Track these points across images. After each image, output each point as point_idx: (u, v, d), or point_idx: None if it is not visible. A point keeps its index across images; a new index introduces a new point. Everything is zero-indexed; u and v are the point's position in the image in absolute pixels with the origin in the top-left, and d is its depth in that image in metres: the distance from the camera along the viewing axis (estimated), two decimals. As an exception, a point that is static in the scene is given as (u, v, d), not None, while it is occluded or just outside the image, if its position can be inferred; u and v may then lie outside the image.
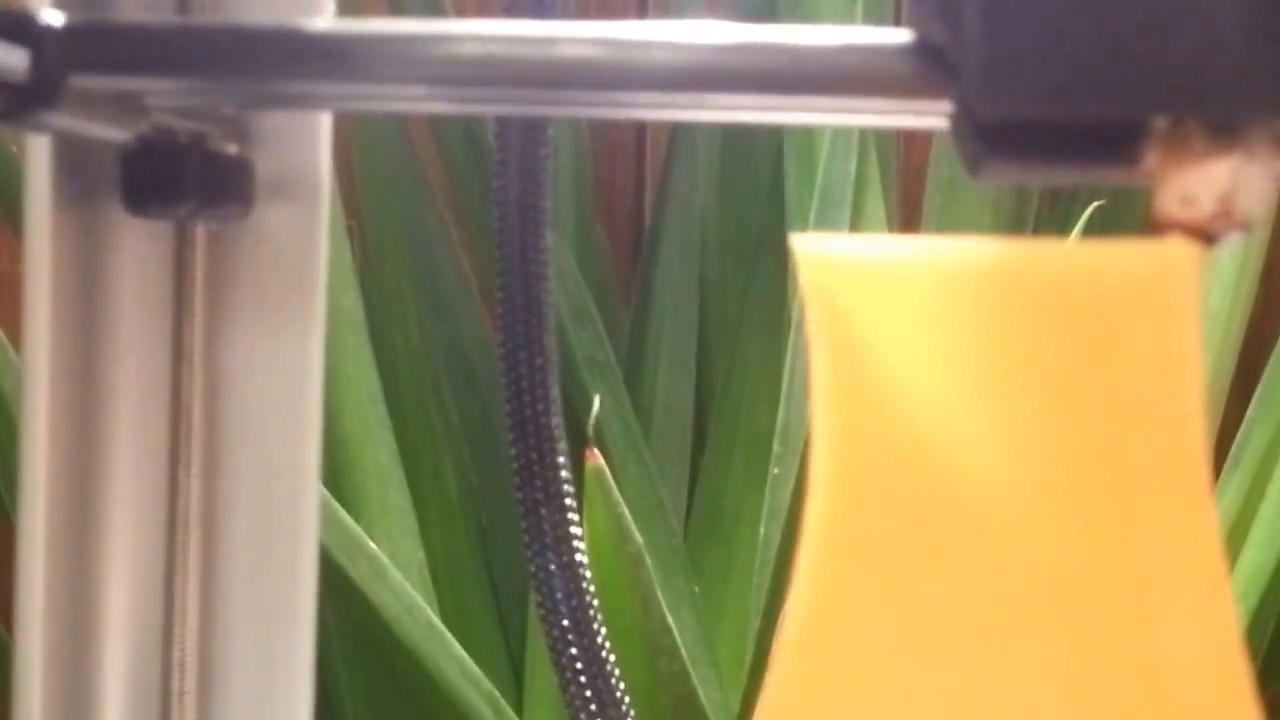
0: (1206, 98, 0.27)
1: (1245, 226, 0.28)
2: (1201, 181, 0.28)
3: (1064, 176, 0.30)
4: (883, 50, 0.31)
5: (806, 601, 0.28)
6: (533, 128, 0.45)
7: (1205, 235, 0.28)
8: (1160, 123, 0.28)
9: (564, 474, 0.46)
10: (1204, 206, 0.28)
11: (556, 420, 0.46)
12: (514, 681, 0.88)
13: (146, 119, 0.37)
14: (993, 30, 0.27)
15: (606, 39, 0.32)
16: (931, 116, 0.31)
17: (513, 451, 0.46)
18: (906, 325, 0.27)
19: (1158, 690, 0.26)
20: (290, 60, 0.34)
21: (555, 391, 0.46)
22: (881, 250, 0.28)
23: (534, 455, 0.46)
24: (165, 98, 0.36)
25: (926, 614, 0.27)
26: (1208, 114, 0.28)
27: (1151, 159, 0.28)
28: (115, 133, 0.36)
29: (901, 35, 0.31)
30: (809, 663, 0.28)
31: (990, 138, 0.28)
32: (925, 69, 0.30)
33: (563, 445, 0.46)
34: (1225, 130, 0.28)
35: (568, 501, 0.46)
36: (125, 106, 0.36)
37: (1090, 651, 0.26)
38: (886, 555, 0.27)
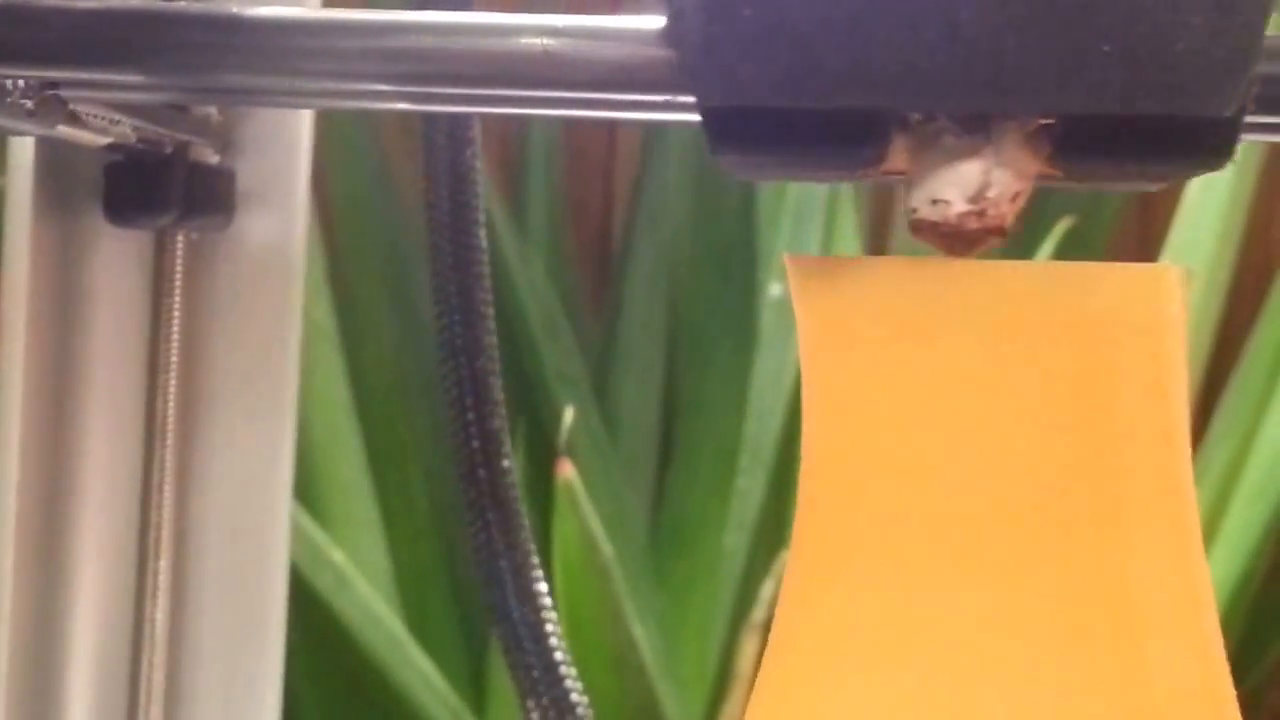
0: (952, 92, 0.25)
1: (1001, 230, 0.27)
2: (950, 181, 0.27)
3: (803, 172, 0.28)
4: (631, 38, 0.29)
5: (793, 611, 0.28)
6: (459, 124, 0.44)
7: (956, 237, 0.27)
8: (910, 117, 0.27)
9: (511, 479, 0.45)
10: (954, 207, 0.27)
11: (502, 423, 0.45)
12: (477, 693, 0.88)
13: (61, 112, 0.33)
14: (713, 11, 0.25)
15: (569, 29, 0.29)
16: (686, 111, 0.28)
17: (456, 457, 0.45)
18: (895, 341, 0.27)
19: (1142, 704, 0.27)
20: (228, 51, 0.30)
21: (498, 394, 0.45)
22: (871, 267, 0.28)
23: (479, 459, 0.45)
24: (73, 89, 0.32)
25: (912, 626, 0.27)
26: (954, 109, 0.26)
27: (899, 156, 0.27)
28: (25, 127, 0.34)
29: (655, 22, 0.28)
30: (795, 672, 0.28)
31: (715, 128, 0.26)
32: (670, 56, 0.28)
33: (507, 449, 0.46)
34: (975, 126, 0.26)
35: (517, 507, 0.45)
36: (34, 98, 0.32)
37: (1075, 658, 0.26)
38: (873, 564, 0.27)
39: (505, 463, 0.45)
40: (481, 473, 0.45)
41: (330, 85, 0.31)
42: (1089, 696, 0.26)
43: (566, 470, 0.74)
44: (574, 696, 0.45)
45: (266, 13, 0.30)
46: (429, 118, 0.45)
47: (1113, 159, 0.27)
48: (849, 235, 0.90)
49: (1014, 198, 0.27)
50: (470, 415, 0.45)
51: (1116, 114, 0.25)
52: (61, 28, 0.30)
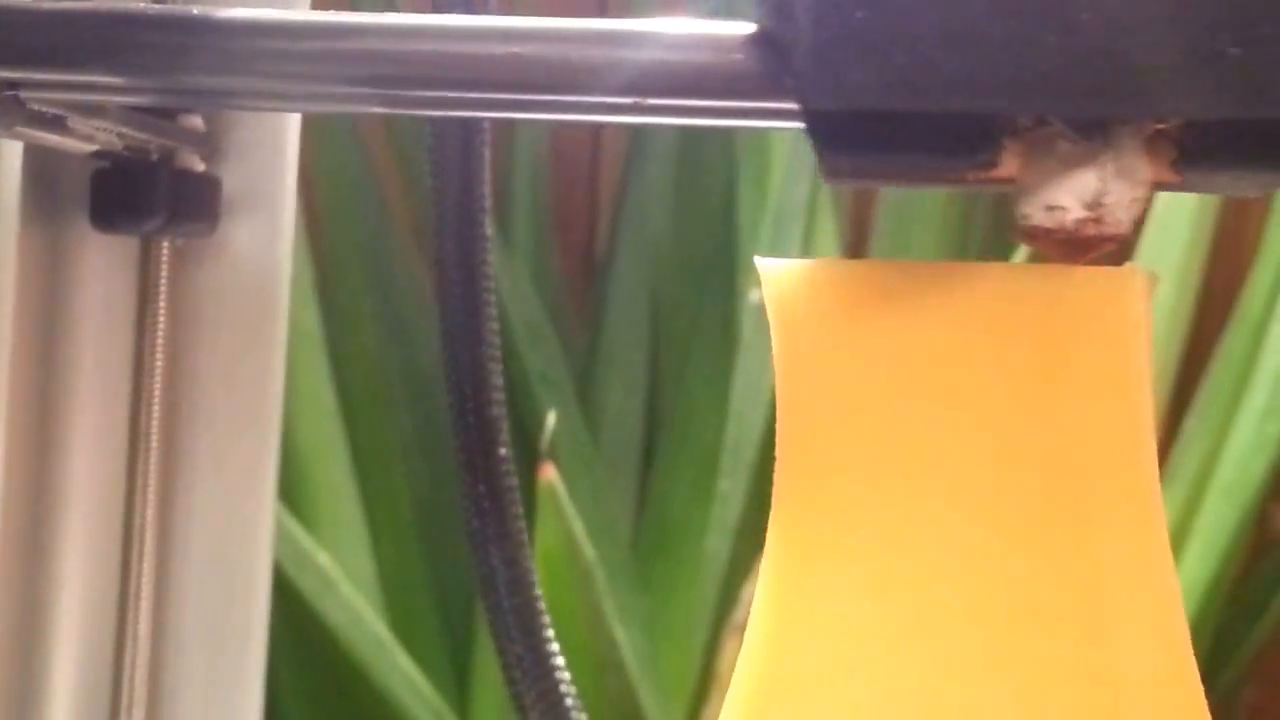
0: (1068, 94, 0.25)
1: (1120, 236, 0.26)
2: (1067, 187, 0.26)
3: (915, 178, 0.27)
4: (724, 44, 0.28)
5: (768, 612, 0.28)
6: (469, 124, 0.44)
7: (1072, 244, 0.27)
8: (1020, 122, 0.26)
9: (508, 467, 0.45)
10: (1070, 213, 0.26)
11: (500, 411, 0.45)
12: (460, 695, 0.88)
13: (19, 113, 0.32)
14: (824, 13, 0.25)
15: (538, 32, 0.29)
16: (786, 118, 0.28)
17: (456, 444, 0.45)
18: (866, 343, 0.27)
19: (1111, 699, 0.27)
20: (193, 53, 0.29)
21: (498, 379, 0.45)
22: (842, 270, 0.28)
23: (479, 461, 0.45)
24: (33, 90, 0.32)
25: (883, 623, 0.27)
26: (1069, 112, 0.25)
27: (1011, 162, 0.26)
28: (72, 144, 0.35)
29: (746, 27, 0.28)
30: (770, 673, 0.28)
31: (824, 133, 0.26)
32: (766, 61, 0.27)
33: (505, 437, 0.46)
34: (1092, 131, 0.26)
35: (512, 496, 0.45)
36: (81, 109, 0.34)
37: (1046, 660, 0.27)
38: (846, 564, 0.27)
39: (502, 450, 0.45)
40: (479, 460, 0.45)
41: (310, 89, 0.30)
42: (1057, 692, 0.27)
43: (549, 473, 0.75)
44: (564, 687, 0.45)
45: (239, 14, 0.29)
46: (437, 129, 0.44)
47: (1236, 165, 0.26)
48: (829, 242, 0.90)
49: (1131, 204, 0.26)
50: (469, 404, 0.45)
51: (1242, 119, 0.25)
52: (23, 27, 0.29)
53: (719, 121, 0.30)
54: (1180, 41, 0.24)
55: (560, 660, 0.45)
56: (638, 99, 0.28)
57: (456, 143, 0.44)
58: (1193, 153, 0.26)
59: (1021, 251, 0.84)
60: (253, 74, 0.30)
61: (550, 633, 0.45)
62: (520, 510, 0.46)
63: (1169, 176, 0.26)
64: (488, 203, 0.44)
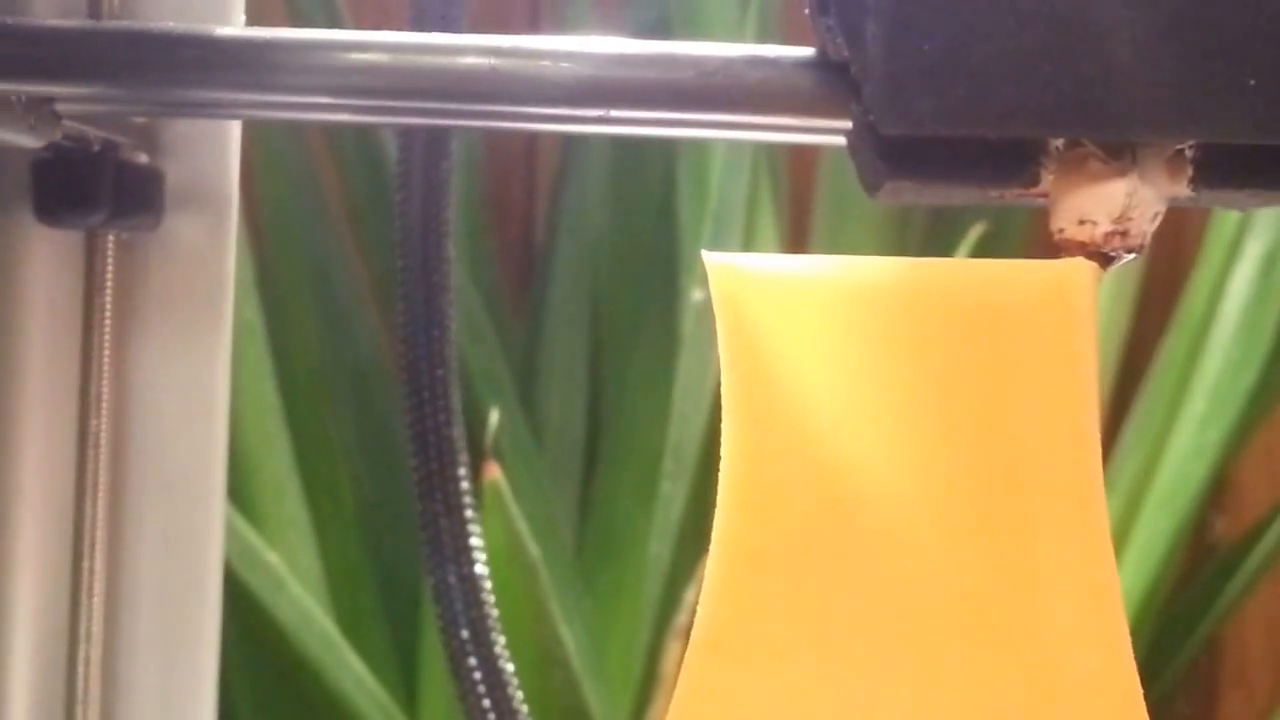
0: (1104, 119, 0.27)
1: (1140, 247, 0.29)
2: (1097, 202, 0.28)
3: (962, 196, 0.30)
4: (784, 66, 0.31)
5: (713, 610, 0.28)
6: (436, 140, 0.45)
7: (1100, 255, 0.29)
8: (1057, 143, 0.29)
9: (464, 485, 0.46)
10: (1100, 227, 0.28)
11: (458, 431, 0.46)
12: (407, 691, 0.88)
13: (58, 127, 0.36)
14: (895, 47, 0.27)
15: (514, 50, 0.33)
16: (828, 134, 0.31)
17: (414, 463, 0.46)
18: (813, 339, 0.27)
19: (1052, 695, 0.27)
20: (193, 67, 0.33)
21: (456, 403, 0.46)
22: (790, 266, 0.28)
23: (435, 467, 0.46)
24: (70, 103, 0.36)
25: (830, 622, 0.27)
26: (1105, 135, 0.28)
27: (1047, 179, 0.29)
28: (25, 139, 0.36)
29: (803, 52, 0.31)
30: (715, 672, 0.28)
31: (890, 156, 0.28)
32: (826, 85, 0.30)
33: (463, 457, 0.46)
34: (1121, 152, 0.28)
35: (468, 514, 0.46)
36: (37, 114, 0.35)
37: (987, 658, 0.27)
38: (791, 563, 0.27)
39: (461, 470, 0.45)
40: (437, 481, 0.45)
41: (333, 100, 0.33)
42: (999, 695, 0.27)
43: (493, 472, 0.74)
44: (515, 702, 0.45)
45: (220, 31, 0.33)
46: (405, 142, 0.45)
47: (1249, 185, 0.29)
48: (769, 240, 0.90)
49: (1154, 218, 0.29)
50: (429, 423, 0.45)
51: (1251, 143, 0.28)
52: (44, 44, 0.33)
53: (777, 136, 0.34)
54: (1201, 74, 0.27)
55: (514, 680, 0.45)
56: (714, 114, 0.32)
57: (420, 164, 0.44)
58: (1208, 172, 0.29)
59: (963, 248, 0.84)
60: (233, 87, 0.33)
61: (504, 650, 0.45)
62: (475, 528, 0.46)
63: (1185, 193, 0.29)
64: (451, 227, 0.45)
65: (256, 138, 0.89)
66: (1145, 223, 0.29)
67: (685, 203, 0.93)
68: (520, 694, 0.45)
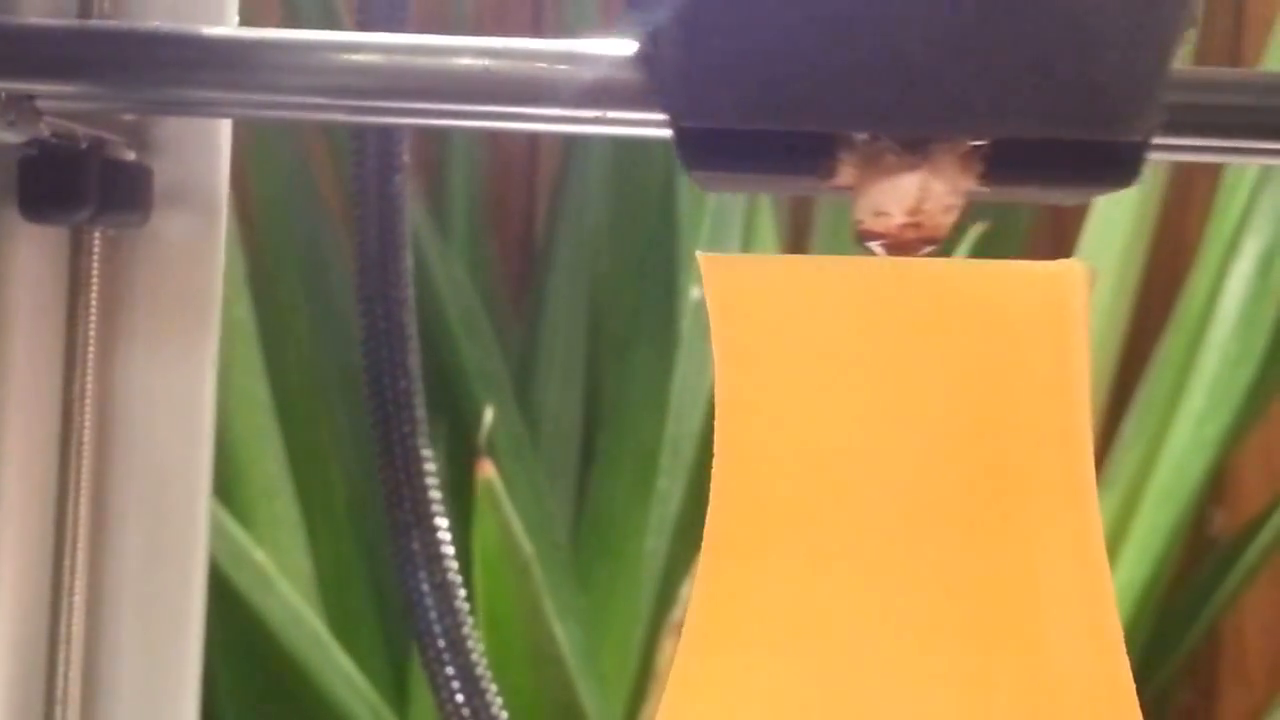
0: (895, 115, 0.28)
1: (935, 239, 0.29)
2: (891, 195, 0.29)
3: (766, 186, 0.31)
4: (603, 62, 0.32)
5: (705, 605, 0.28)
6: (388, 153, 0.45)
7: (897, 246, 0.29)
8: (856, 137, 0.29)
9: (433, 494, 0.46)
10: (894, 219, 0.29)
11: (423, 442, 0.46)
12: (398, 692, 0.88)
13: (38, 123, 0.36)
14: (690, 41, 0.28)
15: (509, 51, 0.33)
16: (659, 127, 0.31)
17: (381, 476, 0.46)
18: (806, 338, 0.27)
19: (1044, 692, 0.27)
20: (185, 66, 0.34)
21: (421, 413, 0.46)
22: (783, 265, 0.28)
23: (402, 478, 0.46)
24: (58, 101, 0.36)
25: (821, 617, 0.27)
26: (895, 131, 0.29)
27: (847, 172, 0.29)
28: (3, 135, 0.36)
29: (627, 47, 0.31)
30: (707, 665, 0.28)
31: (691, 148, 0.29)
32: (641, 80, 0.30)
33: (430, 467, 0.47)
34: (915, 147, 0.29)
35: (438, 522, 0.46)
36: (17, 109, 0.36)
37: (978, 655, 0.27)
38: (783, 559, 0.27)
39: (429, 480, 0.46)
40: (405, 491, 0.45)
41: (320, 100, 0.34)
42: (992, 690, 0.27)
43: (487, 470, 0.74)
44: (494, 708, 0.45)
45: (209, 31, 0.34)
46: (358, 139, 0.46)
47: (1037, 178, 0.30)
48: (768, 239, 0.90)
49: (947, 210, 0.29)
50: (394, 434, 0.45)
51: (1041, 138, 0.28)
52: (31, 42, 0.34)
53: (598, 129, 0.34)
54: (987, 73, 0.28)
55: (493, 687, 0.45)
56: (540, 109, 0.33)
57: (375, 176, 0.45)
58: (1000, 167, 0.30)
59: (962, 247, 0.84)
60: (216, 86, 0.34)
61: (481, 657, 0.45)
62: (448, 536, 0.46)
63: (979, 186, 0.30)
64: (407, 241, 0.46)
65: (251, 135, 0.89)
66: (939, 215, 0.29)
67: (684, 201, 0.93)
68: (500, 700, 0.45)
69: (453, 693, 0.44)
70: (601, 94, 0.33)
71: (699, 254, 0.29)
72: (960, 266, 0.28)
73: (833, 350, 0.27)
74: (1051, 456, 0.28)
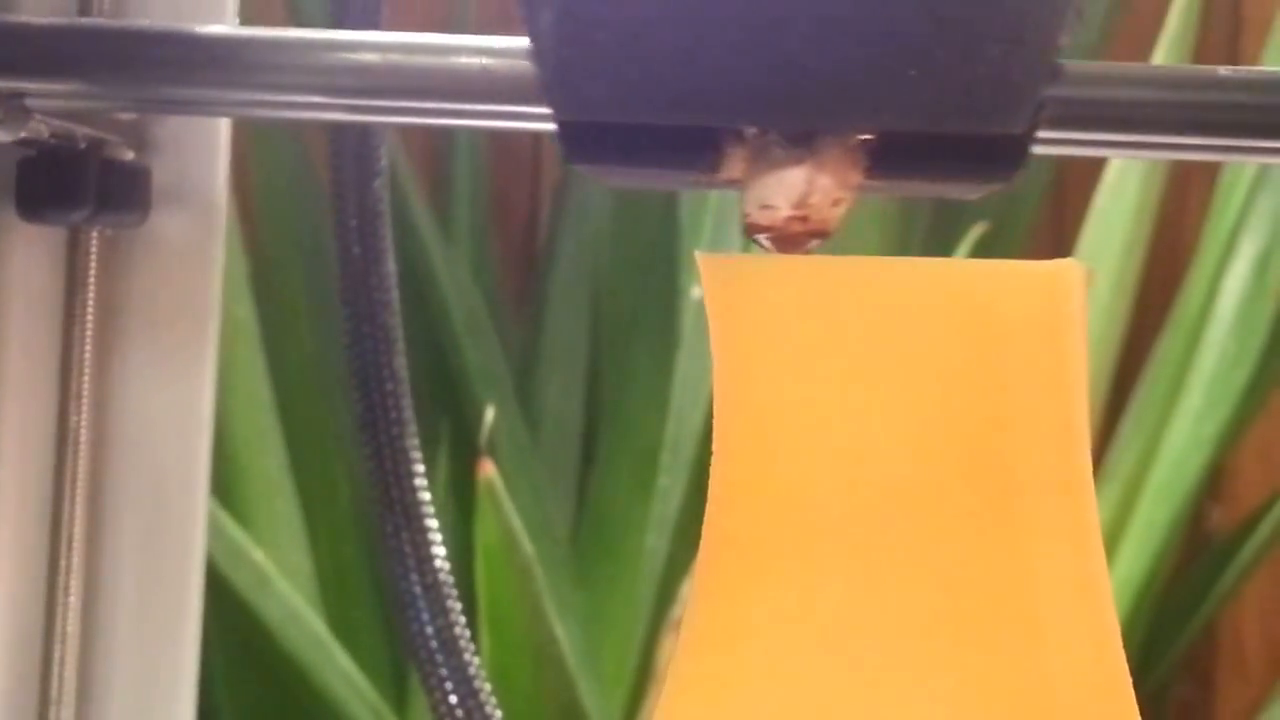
0: (776, 109, 0.28)
1: (823, 233, 0.29)
2: (777, 188, 0.29)
3: (650, 180, 0.31)
4: (496, 53, 0.32)
5: (703, 603, 0.29)
6: (366, 155, 0.45)
7: (784, 239, 0.29)
8: (746, 131, 0.29)
9: (422, 495, 0.46)
10: (780, 211, 0.29)
11: (412, 443, 0.46)
12: (398, 692, 0.88)
13: (28, 122, 0.36)
14: (566, 32, 0.27)
15: (506, 50, 0.33)
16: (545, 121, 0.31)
17: (370, 479, 0.46)
18: (803, 337, 0.28)
19: (1042, 689, 0.27)
20: (173, 64, 0.33)
21: (409, 414, 0.46)
22: (781, 265, 0.28)
23: (391, 480, 0.46)
24: (47, 100, 0.36)
25: (819, 615, 0.27)
26: (775, 125, 0.29)
27: (735, 166, 0.29)
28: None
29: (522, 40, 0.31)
30: (705, 665, 0.28)
31: (570, 141, 0.29)
32: (529, 72, 0.30)
33: (419, 468, 0.47)
34: (801, 141, 0.29)
35: (428, 523, 0.46)
36: (6, 107, 0.36)
37: (976, 652, 0.27)
38: (781, 557, 0.28)
39: (418, 481, 0.46)
40: (395, 493, 0.45)
41: (318, 99, 0.34)
42: (989, 689, 0.27)
43: (488, 469, 0.75)
44: (489, 709, 0.45)
45: (203, 29, 0.33)
46: (336, 142, 0.46)
47: (922, 171, 0.30)
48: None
49: (835, 203, 0.29)
50: (383, 437, 0.45)
51: (924, 131, 0.28)
52: (25, 40, 0.33)
53: (484, 123, 0.35)
54: (871, 64, 0.27)
55: (492, 698, 0.45)
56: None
57: (354, 175, 0.45)
58: (886, 160, 0.29)
59: (963, 247, 0.84)
60: (204, 84, 0.34)
61: (474, 658, 0.45)
62: (439, 539, 0.46)
63: (866, 181, 0.30)
64: (389, 243, 0.45)
65: (252, 134, 0.89)
66: (826, 209, 0.29)
67: (686, 200, 0.93)
68: (494, 700, 0.45)
69: (446, 694, 0.44)
70: (494, 88, 0.33)
71: (697, 254, 0.29)
72: (958, 266, 0.28)
73: (831, 349, 0.27)
74: (1049, 455, 0.28)
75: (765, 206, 0.29)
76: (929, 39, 0.27)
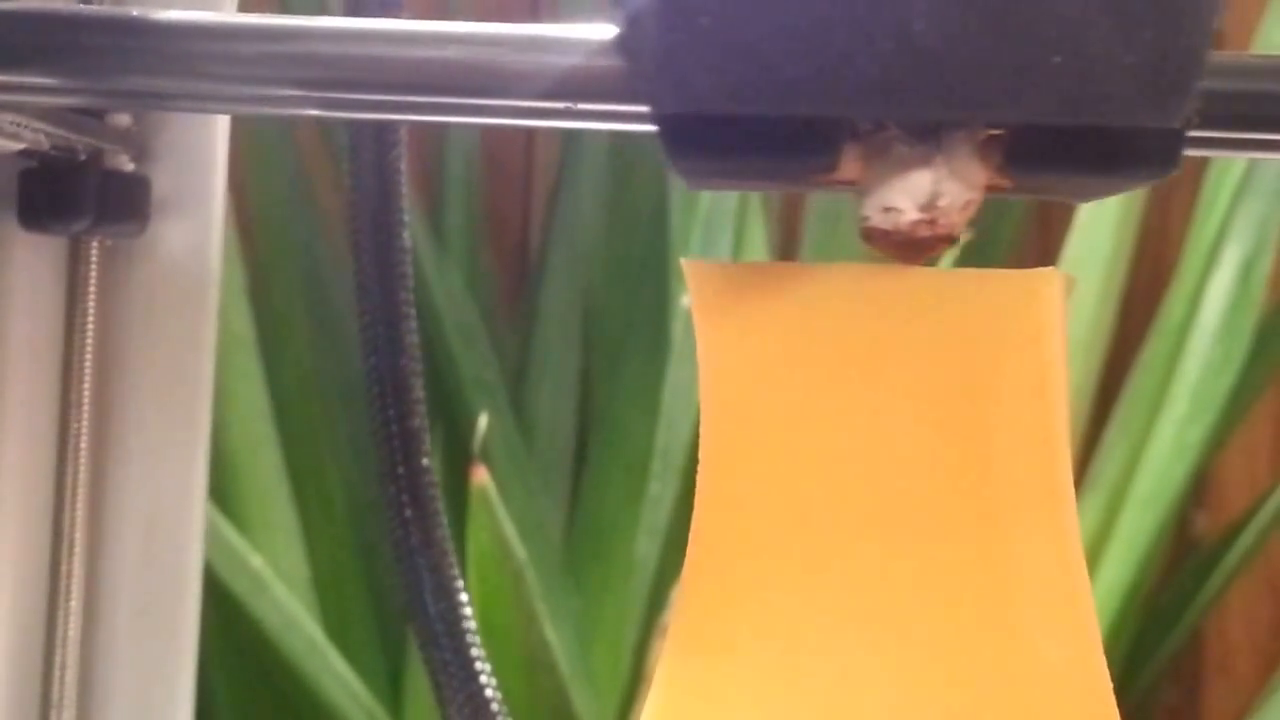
0: (901, 99, 0.25)
1: (951, 238, 0.27)
2: (902, 189, 0.27)
3: (759, 182, 0.28)
4: (582, 48, 0.28)
5: (690, 606, 0.29)
6: (386, 127, 0.44)
7: (909, 245, 0.27)
8: (860, 127, 0.27)
9: (430, 479, 0.45)
10: (906, 215, 0.27)
11: (421, 423, 0.45)
12: (394, 697, 0.88)
13: None
14: (670, 19, 0.25)
15: (471, 37, 0.30)
16: (637, 122, 0.28)
17: (378, 455, 0.45)
18: (787, 344, 0.28)
19: (1024, 695, 0.27)
20: (113, 54, 0.30)
21: (419, 393, 0.45)
22: (765, 271, 0.28)
23: (399, 457, 0.45)
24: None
25: (804, 619, 0.27)
26: (902, 117, 0.26)
27: (850, 164, 0.27)
28: None
29: (606, 31, 0.28)
30: (691, 671, 0.28)
31: (674, 137, 0.26)
32: (620, 67, 0.27)
33: (427, 448, 0.46)
34: (926, 135, 0.26)
35: (435, 504, 0.45)
36: None
37: (959, 654, 0.27)
38: (766, 561, 0.28)
39: (424, 460, 0.45)
40: (401, 470, 0.45)
41: (243, 91, 0.30)
42: (971, 693, 0.27)
43: (481, 475, 0.75)
44: (489, 692, 0.45)
45: (174, 16, 0.30)
46: (355, 143, 0.45)
47: (1061, 169, 0.27)
48: (758, 247, 0.91)
49: (965, 206, 0.27)
50: (391, 413, 0.45)
51: (1065, 125, 0.26)
52: None
53: (582, 124, 0.31)
54: (1008, 50, 0.25)
55: (486, 666, 0.45)
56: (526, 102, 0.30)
57: (371, 153, 0.44)
58: (1020, 157, 0.27)
59: (947, 256, 0.85)
60: (187, 76, 0.30)
61: (476, 640, 0.45)
62: (443, 519, 0.46)
63: (999, 180, 0.27)
64: (405, 214, 0.44)
65: (249, 145, 0.90)
66: (955, 212, 0.27)
67: (676, 209, 0.94)
68: (494, 682, 0.45)
69: (450, 677, 0.44)
70: (573, 84, 0.29)
71: (683, 261, 0.29)
72: (940, 274, 0.28)
73: (816, 356, 0.27)
74: (1030, 462, 0.28)
75: (888, 209, 0.27)
76: (1076, 21, 0.25)
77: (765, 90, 0.25)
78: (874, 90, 0.25)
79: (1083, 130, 0.26)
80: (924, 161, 0.26)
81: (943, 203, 0.27)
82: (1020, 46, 0.25)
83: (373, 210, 0.44)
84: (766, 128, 0.26)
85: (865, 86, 0.25)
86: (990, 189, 0.27)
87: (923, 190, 0.27)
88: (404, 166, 0.44)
